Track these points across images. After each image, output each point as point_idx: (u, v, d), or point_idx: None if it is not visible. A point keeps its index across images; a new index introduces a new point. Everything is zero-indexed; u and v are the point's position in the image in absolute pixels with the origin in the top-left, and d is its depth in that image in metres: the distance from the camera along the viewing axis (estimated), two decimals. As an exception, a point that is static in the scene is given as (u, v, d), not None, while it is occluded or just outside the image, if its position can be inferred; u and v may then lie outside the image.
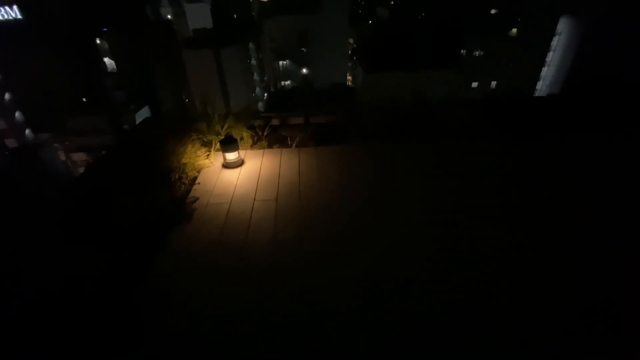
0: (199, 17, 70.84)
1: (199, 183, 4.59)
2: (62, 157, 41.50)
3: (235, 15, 79.78)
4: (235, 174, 4.85)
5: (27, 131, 47.75)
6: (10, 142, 46.27)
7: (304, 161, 5.05)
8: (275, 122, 6.45)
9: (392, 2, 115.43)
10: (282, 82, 63.02)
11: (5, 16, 41.68)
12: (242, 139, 5.62)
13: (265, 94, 63.39)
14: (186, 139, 5.06)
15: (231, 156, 4.89)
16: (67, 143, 42.91)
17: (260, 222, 3.79)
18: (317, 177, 4.56)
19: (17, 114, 46.32)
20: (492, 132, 5.80)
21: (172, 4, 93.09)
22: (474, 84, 44.00)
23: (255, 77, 59.14)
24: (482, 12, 63.86)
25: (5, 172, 31.98)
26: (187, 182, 4.59)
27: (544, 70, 55.97)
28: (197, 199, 4.26)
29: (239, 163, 5.01)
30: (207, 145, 5.45)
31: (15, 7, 41.33)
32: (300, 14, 54.33)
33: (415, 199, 4.00)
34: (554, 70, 55.25)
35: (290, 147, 5.76)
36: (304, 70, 60.02)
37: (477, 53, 43.14)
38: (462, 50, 41.32)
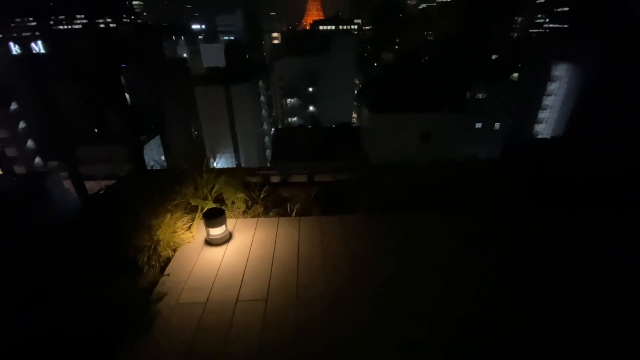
0: (213, 56, 73.46)
1: (168, 274, 3.56)
2: (67, 185, 41.05)
3: (247, 56, 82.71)
4: (219, 254, 3.86)
5: (37, 159, 47.98)
6: (20, 169, 46.36)
7: (305, 237, 4.09)
8: (275, 179, 5.58)
9: (397, 47, 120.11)
10: (290, 119, 63.78)
11: (30, 50, 43.24)
12: (233, 203, 4.72)
13: (273, 129, 63.92)
14: (166, 206, 4.15)
15: (216, 231, 3.93)
16: (72, 172, 42.71)
17: (243, 332, 2.78)
18: (321, 260, 3.58)
19: (29, 142, 46.79)
20: (518, 202, 4.86)
21: (189, 43, 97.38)
22: (478, 125, 43.87)
23: (264, 113, 59.93)
24: (483, 58, 65.52)
25: (9, 198, 31.35)
26: (158, 265, 3.62)
27: (546, 113, 56.11)
28: (165, 295, 3.26)
29: (226, 239, 4.03)
30: (192, 210, 4.53)
31: (39, 42, 42.89)
32: (309, 56, 55.94)
33: (437, 295, 3.02)
34: (556, 113, 55.35)
35: (290, 214, 4.81)
36: (311, 108, 60.85)
37: (480, 96, 43.38)
38: (466, 93, 41.50)
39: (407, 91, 37.03)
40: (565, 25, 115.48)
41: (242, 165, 49.14)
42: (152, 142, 46.58)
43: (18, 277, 3.11)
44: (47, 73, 44.94)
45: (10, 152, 45.92)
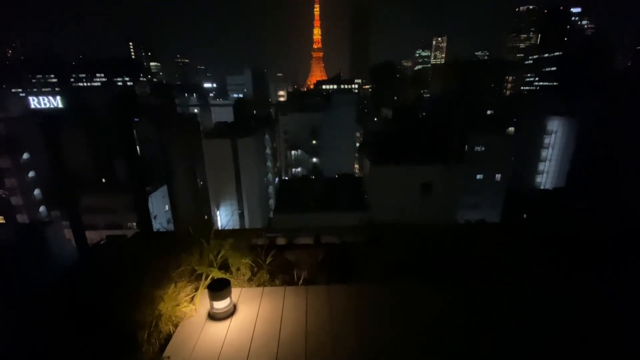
0: (223, 112, 77.10)
1: (168, 358, 3.28)
2: (68, 235, 40.64)
3: (254, 111, 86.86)
4: (223, 330, 3.61)
5: (42, 208, 48.22)
6: (23, 218, 46.36)
7: (313, 309, 3.85)
8: (281, 241, 5.45)
9: (395, 103, 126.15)
10: (293, 169, 64.93)
11: (48, 105, 45.53)
12: (238, 269, 4.55)
13: (277, 179, 64.74)
14: (171, 274, 3.99)
15: (220, 304, 3.72)
16: (75, 222, 42.50)
17: None
18: (330, 336, 3.32)
19: (35, 191, 47.43)
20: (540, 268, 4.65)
21: (200, 100, 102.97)
22: (479, 176, 44.25)
23: (268, 164, 61.22)
24: (479, 113, 68.32)
25: (8, 248, 30.83)
26: (157, 343, 3.37)
27: (545, 165, 56.91)
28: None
29: (230, 312, 3.80)
30: (197, 278, 4.35)
31: (58, 97, 45.35)
32: (313, 112, 58.62)
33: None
34: (555, 165, 56.09)
35: (297, 282, 4.61)
36: (314, 160, 62.26)
37: (478, 148, 44.31)
38: (465, 146, 42.52)
39: (406, 144, 38.01)
40: (555, 83, 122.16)
41: (245, 214, 48.90)
42: (157, 192, 46.96)
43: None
44: (62, 126, 46.86)
45: (16, 200, 46.25)
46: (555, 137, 56.02)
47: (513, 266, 4.50)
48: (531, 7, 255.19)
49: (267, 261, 4.85)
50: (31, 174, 47.12)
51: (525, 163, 57.80)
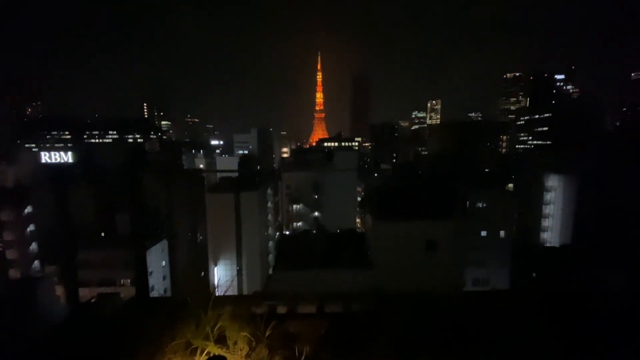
0: (228, 167, 78.52)
1: None
2: (59, 291, 38.65)
3: (258, 167, 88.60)
4: None
5: (36, 262, 46.72)
6: (14, 273, 44.69)
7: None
8: (281, 310, 4.94)
9: (394, 160, 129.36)
10: (295, 224, 64.00)
11: (58, 159, 46.71)
12: (236, 343, 4.02)
13: (277, 233, 63.51)
14: (164, 348, 3.49)
15: (212, 390, 3.18)
16: (69, 278, 40.81)
17: None
18: None
19: (33, 245, 46.29)
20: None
21: (206, 156, 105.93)
22: (483, 233, 43.27)
23: (270, 218, 60.54)
24: (477, 170, 69.42)
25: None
26: None
27: (548, 221, 56.06)
28: None
29: (223, 399, 3.24)
30: (192, 353, 3.82)
31: (69, 153, 46.67)
32: (315, 168, 59.68)
33: None
34: (559, 221, 55.23)
35: (299, 358, 4.03)
36: (316, 214, 61.71)
37: (480, 204, 43.97)
38: (466, 202, 42.27)
39: (408, 199, 37.81)
40: (548, 142, 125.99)
41: (244, 270, 47.00)
42: (156, 247, 45.79)
43: None
44: (69, 180, 47.40)
45: (12, 254, 44.93)
46: (555, 193, 56.03)
47: (522, 343, 3.97)
48: (517, 74, 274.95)
49: (267, 334, 4.32)
50: (31, 227, 46.46)
51: (528, 219, 57.01)
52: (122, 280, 42.58)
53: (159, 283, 44.39)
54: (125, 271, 41.90)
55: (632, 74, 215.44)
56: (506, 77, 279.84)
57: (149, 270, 42.34)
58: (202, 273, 49.96)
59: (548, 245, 53.87)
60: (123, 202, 48.91)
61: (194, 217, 53.20)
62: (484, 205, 41.43)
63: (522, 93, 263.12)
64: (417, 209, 34.32)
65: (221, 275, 45.86)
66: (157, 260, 45.18)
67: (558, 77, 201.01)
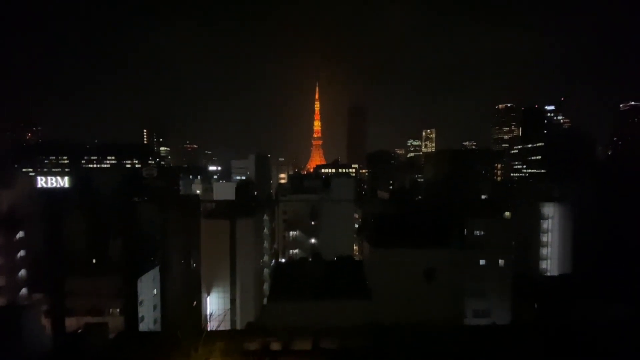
0: (225, 193, 77.98)
1: None
2: (44, 321, 36.93)
3: (255, 192, 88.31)
4: None
5: (24, 289, 45.11)
6: (1, 300, 42.91)
7: None
8: (275, 346, 4.62)
9: (391, 187, 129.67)
10: (291, 251, 62.92)
11: (54, 184, 46.40)
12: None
13: (273, 261, 62.26)
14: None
15: None
16: (57, 307, 39.17)
17: None
18: None
19: (21, 272, 44.88)
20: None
21: (204, 181, 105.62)
22: (482, 262, 42.54)
23: (266, 244, 59.60)
24: (473, 197, 69.45)
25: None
26: None
27: (547, 250, 55.46)
28: None
29: None
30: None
31: (66, 178, 46.43)
32: (312, 194, 59.61)
33: None
34: (558, 250, 54.68)
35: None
36: (313, 240, 60.86)
37: (478, 232, 43.54)
38: (464, 230, 41.89)
39: (405, 227, 37.46)
40: (542, 171, 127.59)
41: (238, 300, 45.45)
42: (147, 274, 44.39)
43: None
44: (62, 205, 46.80)
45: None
46: (552, 222, 55.88)
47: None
48: (509, 104, 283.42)
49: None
50: (21, 253, 45.26)
51: (527, 248, 56.36)
52: (111, 310, 40.91)
53: (149, 313, 42.65)
54: (115, 300, 40.36)
55: (621, 105, 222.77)
56: (498, 107, 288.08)
57: (140, 299, 40.84)
58: (194, 303, 48.24)
59: (548, 274, 52.95)
60: (117, 227, 48.05)
61: (188, 243, 52.19)
62: (482, 233, 41.04)
63: (514, 123, 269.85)
64: (415, 237, 33.93)
65: (214, 305, 44.31)
66: (149, 289, 43.66)
67: (548, 107, 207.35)
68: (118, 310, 40.47)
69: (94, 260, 48.10)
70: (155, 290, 45.30)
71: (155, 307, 44.37)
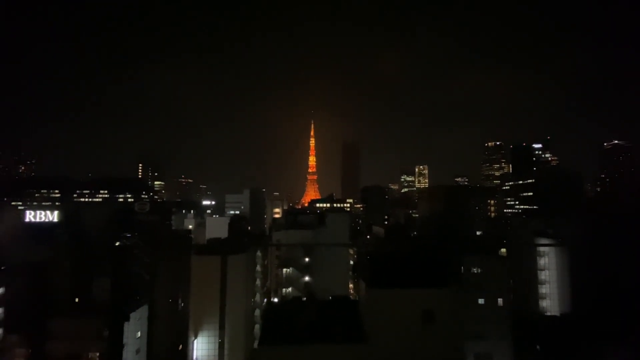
0: (217, 228, 76.87)
1: None
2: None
3: (249, 227, 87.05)
4: None
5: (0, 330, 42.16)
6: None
7: None
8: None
9: (386, 222, 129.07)
10: (284, 289, 60.64)
11: (43, 218, 45.20)
12: None
13: (265, 300, 59.87)
14: None
15: None
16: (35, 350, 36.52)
17: None
18: None
19: (-1, 310, 42.25)
20: None
21: (197, 216, 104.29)
22: (480, 301, 41.37)
23: (258, 282, 57.60)
24: (468, 233, 69.19)
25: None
26: None
27: (546, 288, 54.30)
28: None
29: None
30: None
31: (55, 212, 45.41)
32: (306, 229, 58.84)
33: None
34: (556, 288, 53.57)
35: None
36: (307, 278, 58.90)
37: (475, 270, 42.79)
38: (460, 267, 41.14)
39: (402, 266, 36.67)
40: (535, 207, 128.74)
41: (226, 343, 42.87)
42: (133, 314, 42.01)
43: None
44: (48, 240, 45.32)
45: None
46: (548, 258, 55.32)
47: None
48: (498, 142, 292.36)
49: None
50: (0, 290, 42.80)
51: (524, 286, 55.17)
52: (90, 354, 38.13)
53: (132, 357, 39.87)
54: (96, 343, 37.78)
55: (605, 144, 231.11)
56: (487, 145, 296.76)
57: (124, 340, 38.37)
58: (180, 346, 45.44)
59: (549, 314, 51.45)
60: (103, 265, 46.31)
61: (177, 281, 50.19)
62: (479, 271, 40.30)
63: (503, 160, 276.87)
64: (412, 276, 33.15)
65: (201, 350, 41.75)
66: (133, 331, 41.16)
67: (536, 145, 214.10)
68: (98, 354, 37.78)
69: (77, 300, 45.74)
70: (139, 333, 42.65)
71: (138, 351, 41.53)
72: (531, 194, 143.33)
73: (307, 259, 58.09)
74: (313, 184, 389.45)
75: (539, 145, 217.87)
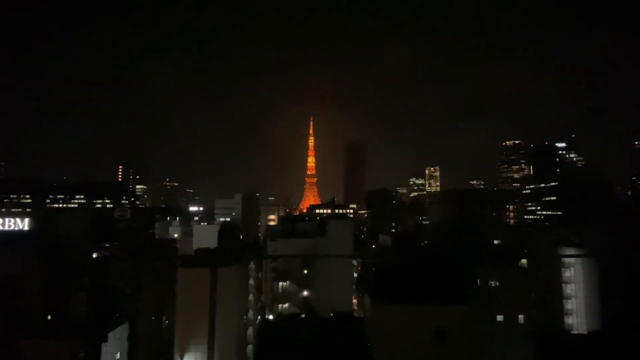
0: (206, 237, 76.63)
1: None
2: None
3: (241, 236, 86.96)
4: None
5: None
6: None
7: None
8: None
9: (393, 230, 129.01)
10: (280, 305, 60.41)
11: (12, 226, 44.94)
12: None
13: (259, 317, 59.68)
14: None
15: None
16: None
17: None
18: None
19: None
20: None
21: (183, 224, 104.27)
22: (499, 318, 41.31)
23: (251, 297, 57.47)
24: (485, 242, 68.99)
25: None
26: None
27: (572, 303, 54.06)
28: None
29: None
30: None
31: (26, 220, 45.14)
32: (305, 238, 58.75)
33: None
34: (583, 303, 53.31)
35: None
36: (305, 293, 58.70)
37: (493, 283, 42.71)
38: (476, 280, 41.07)
39: (411, 278, 36.59)
40: (558, 213, 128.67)
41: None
42: (112, 334, 41.87)
43: None
44: (17, 251, 45.13)
45: None
46: (574, 270, 55.09)
47: None
48: (517, 142, 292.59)
49: None
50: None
51: (548, 301, 54.97)
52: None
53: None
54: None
55: (636, 143, 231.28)
56: (505, 144, 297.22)
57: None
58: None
59: (575, 332, 51.26)
60: (80, 278, 46.21)
61: (161, 296, 50.07)
62: (498, 284, 40.27)
63: (523, 161, 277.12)
64: (423, 290, 33.10)
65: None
66: (112, 352, 40.99)
67: (559, 145, 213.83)
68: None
69: (50, 317, 45.60)
70: (118, 354, 42.47)
71: (115, 376, 41.34)
72: (554, 198, 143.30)
73: (306, 272, 57.98)
74: (312, 188, 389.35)
75: (563, 145, 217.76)
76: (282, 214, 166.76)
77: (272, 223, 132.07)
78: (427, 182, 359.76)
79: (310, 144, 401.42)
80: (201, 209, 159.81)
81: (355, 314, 52.02)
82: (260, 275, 62.73)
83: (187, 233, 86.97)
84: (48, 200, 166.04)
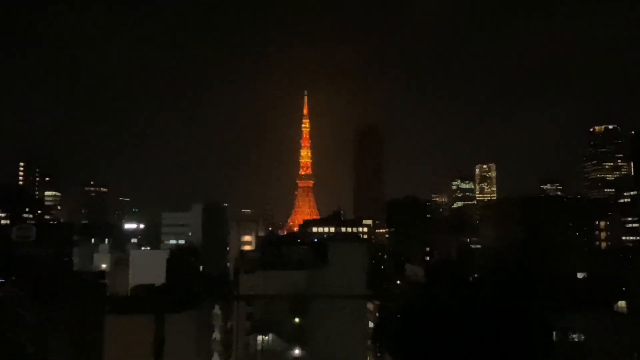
0: (149, 268, 76.76)
1: None
2: None
3: (201, 268, 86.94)
4: None
5: None
6: None
7: None
8: None
9: (427, 257, 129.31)
10: (258, 373, 60.67)
11: None
12: None
13: (229, 389, 59.96)
14: None
15: None
16: None
17: None
18: None
19: None
20: None
21: (115, 248, 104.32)
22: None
23: (216, 358, 57.81)
24: (563, 276, 69.21)
25: None
26: None
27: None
28: None
29: None
30: None
31: None
32: (296, 270, 58.76)
33: None
34: None
35: None
36: (296, 352, 58.84)
37: (576, 337, 43.05)
38: (552, 333, 41.33)
39: (453, 329, 36.79)
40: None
41: None
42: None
43: None
44: None
45: None
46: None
47: None
48: (610, 127, 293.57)
49: None
50: None
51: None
52: None
53: None
54: None
55: None
56: (593, 130, 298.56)
57: None
58: None
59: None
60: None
61: (81, 356, 50.37)
62: (583, 338, 40.56)
63: (620, 155, 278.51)
64: (471, 348, 33.23)
65: None
66: None
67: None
68: None
69: None
70: None
71: None
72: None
73: (297, 320, 58.12)
74: (307, 195, 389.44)
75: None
76: (262, 233, 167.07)
77: (247, 247, 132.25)
78: (477, 187, 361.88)
79: (304, 130, 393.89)
80: (142, 226, 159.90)
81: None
82: (229, 325, 62.95)
83: (120, 262, 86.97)
84: None
